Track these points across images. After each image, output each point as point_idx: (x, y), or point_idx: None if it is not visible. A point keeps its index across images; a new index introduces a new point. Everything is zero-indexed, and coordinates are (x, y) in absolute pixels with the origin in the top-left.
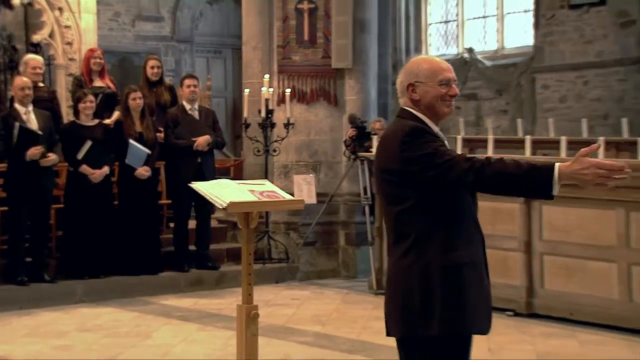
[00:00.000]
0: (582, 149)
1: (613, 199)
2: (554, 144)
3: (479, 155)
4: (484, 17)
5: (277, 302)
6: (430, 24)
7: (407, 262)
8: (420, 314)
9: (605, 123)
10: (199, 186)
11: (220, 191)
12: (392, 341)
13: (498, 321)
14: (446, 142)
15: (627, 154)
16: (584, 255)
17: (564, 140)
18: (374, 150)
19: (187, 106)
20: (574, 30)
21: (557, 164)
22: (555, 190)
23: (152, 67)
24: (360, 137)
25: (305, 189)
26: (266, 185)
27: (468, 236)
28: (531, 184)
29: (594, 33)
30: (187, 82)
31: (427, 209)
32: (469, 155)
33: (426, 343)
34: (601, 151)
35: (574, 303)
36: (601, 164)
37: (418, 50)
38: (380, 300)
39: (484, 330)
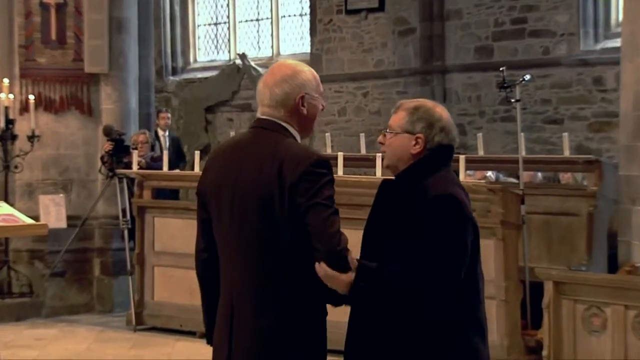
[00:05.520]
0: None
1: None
2: (332, 160)
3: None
4: (258, 19)
5: (18, 344)
6: (199, 26)
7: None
8: None
9: None
10: None
11: None
12: None
13: None
14: None
15: None
16: None
17: (341, 156)
18: (134, 166)
19: None
20: (353, 37)
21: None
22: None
23: None
24: (118, 152)
25: (53, 211)
26: (3, 208)
27: None
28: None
29: (372, 41)
30: None
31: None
32: (346, 238)
33: None
34: (379, 168)
35: None
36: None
37: (185, 54)
38: (140, 338)
39: None
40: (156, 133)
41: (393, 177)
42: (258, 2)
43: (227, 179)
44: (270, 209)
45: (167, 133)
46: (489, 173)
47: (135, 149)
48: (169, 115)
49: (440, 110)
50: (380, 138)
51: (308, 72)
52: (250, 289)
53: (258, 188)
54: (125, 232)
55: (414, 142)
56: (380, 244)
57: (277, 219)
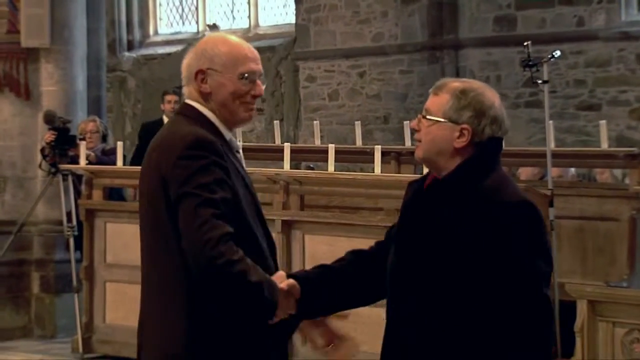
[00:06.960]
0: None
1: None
2: (321, 154)
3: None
4: None
5: None
6: None
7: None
8: None
9: (385, 127)
10: None
11: None
12: None
13: None
14: (240, 153)
15: (411, 167)
16: None
17: (332, 148)
18: (82, 160)
19: None
20: (346, 5)
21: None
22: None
23: None
24: (62, 143)
25: None
26: None
27: None
28: (259, 304)
29: (370, 10)
30: None
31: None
32: (226, 231)
33: None
34: (377, 163)
35: None
36: None
37: (144, 25)
38: None
39: None
40: (162, 121)
41: (420, 177)
42: None
43: (140, 177)
44: (156, 209)
45: None
46: (572, 170)
47: (83, 139)
48: (177, 98)
49: (491, 95)
50: (414, 123)
51: (223, 45)
52: (147, 306)
53: (144, 185)
54: (71, 241)
55: (457, 134)
56: (419, 269)
57: (161, 221)
